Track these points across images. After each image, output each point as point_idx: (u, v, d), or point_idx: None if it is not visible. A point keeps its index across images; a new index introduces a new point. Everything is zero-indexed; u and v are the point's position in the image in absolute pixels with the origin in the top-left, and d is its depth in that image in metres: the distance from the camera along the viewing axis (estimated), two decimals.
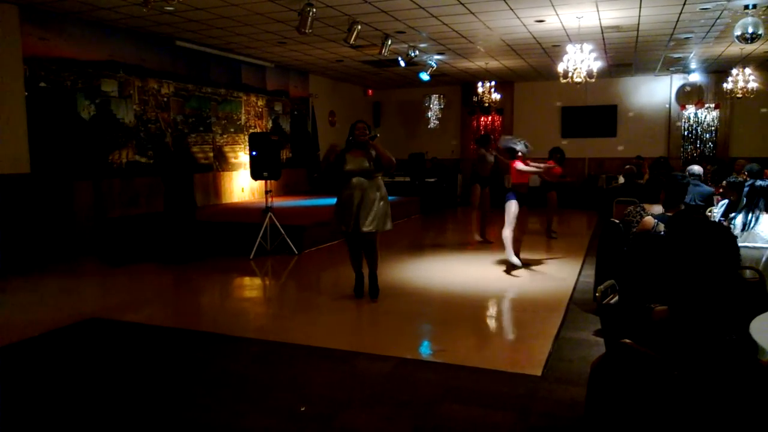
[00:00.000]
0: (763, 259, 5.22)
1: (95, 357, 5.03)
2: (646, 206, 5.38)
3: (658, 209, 5.18)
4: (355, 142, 6.34)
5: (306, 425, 3.65)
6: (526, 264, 8.31)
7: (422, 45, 11.97)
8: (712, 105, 16.37)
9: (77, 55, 9.65)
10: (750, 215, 5.52)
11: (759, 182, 5.91)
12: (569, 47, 10.58)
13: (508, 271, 7.98)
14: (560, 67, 10.70)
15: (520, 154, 8.16)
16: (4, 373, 4.68)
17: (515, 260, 8.09)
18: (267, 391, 4.19)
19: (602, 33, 11.01)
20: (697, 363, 2.54)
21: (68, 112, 9.51)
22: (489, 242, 10.18)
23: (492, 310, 6.65)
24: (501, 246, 9.18)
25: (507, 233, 8.10)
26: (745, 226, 5.52)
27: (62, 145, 9.36)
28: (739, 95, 13.14)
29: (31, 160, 8.94)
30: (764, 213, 5.43)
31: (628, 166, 11.30)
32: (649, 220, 4.75)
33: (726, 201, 6.64)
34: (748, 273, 4.63)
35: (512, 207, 8.04)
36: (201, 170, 12.48)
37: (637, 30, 10.79)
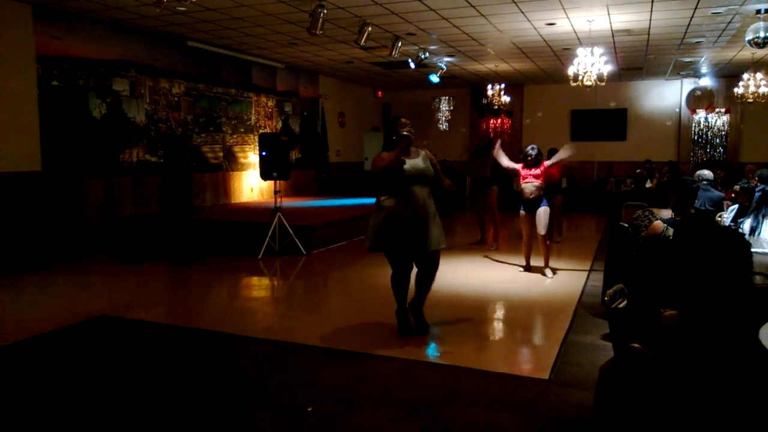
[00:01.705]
0: None
1: (104, 355, 5.06)
2: (654, 210, 5.37)
3: (667, 213, 5.17)
4: (399, 141, 5.05)
5: (313, 425, 3.66)
6: (535, 268, 8.30)
7: (432, 47, 11.98)
8: (723, 109, 16.31)
9: (89, 54, 9.72)
10: (757, 220, 5.51)
11: None
12: (580, 50, 10.58)
13: (520, 273, 7.98)
14: (570, 71, 10.70)
15: (529, 158, 7.97)
16: (16, 369, 4.72)
17: (548, 273, 8.00)
18: (274, 390, 4.21)
19: (613, 36, 10.99)
20: (706, 368, 2.54)
21: (80, 110, 9.57)
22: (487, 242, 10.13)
23: (499, 313, 6.64)
24: (508, 250, 9.19)
25: (543, 233, 7.92)
26: (753, 231, 5.51)
27: (74, 143, 9.43)
28: (750, 100, 13.09)
29: (43, 158, 9.01)
30: None
31: (638, 170, 11.28)
32: (658, 224, 4.74)
33: (736, 206, 6.62)
34: (757, 278, 4.62)
35: (521, 218, 7.95)
36: (211, 170, 12.55)
37: (648, 34, 10.76)
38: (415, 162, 5.09)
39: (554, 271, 8.04)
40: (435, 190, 5.32)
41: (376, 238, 5.08)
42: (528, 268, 8.16)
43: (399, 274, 5.30)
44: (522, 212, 7.94)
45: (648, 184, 12.34)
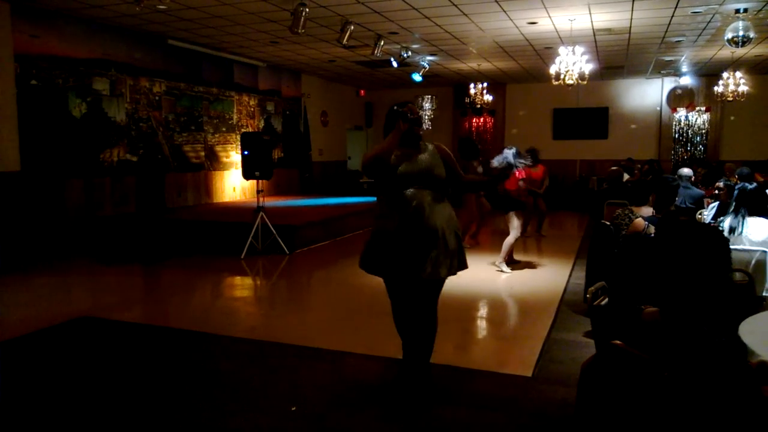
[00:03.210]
0: (753, 262, 5.26)
1: (87, 356, 5.00)
2: (634, 208, 5.40)
3: (646, 211, 5.21)
4: (409, 135, 3.83)
5: (297, 425, 3.65)
6: (517, 264, 8.34)
7: (415, 46, 11.98)
8: (703, 108, 16.47)
9: (69, 52, 9.61)
10: (737, 218, 5.56)
11: (748, 186, 5.95)
12: (561, 49, 10.64)
13: (498, 272, 8.01)
14: (552, 69, 10.75)
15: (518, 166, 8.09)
16: None
17: (507, 269, 8.11)
18: (258, 390, 4.19)
19: (594, 35, 11.06)
20: (687, 364, 2.56)
21: (59, 110, 9.47)
22: (477, 244, 10.15)
23: (482, 311, 6.65)
24: (490, 248, 9.22)
25: (510, 240, 8.11)
26: (732, 230, 5.56)
27: (53, 143, 9.32)
28: (730, 98, 13.23)
29: (22, 159, 8.90)
30: (749, 216, 5.46)
31: (613, 168, 11.28)
32: (639, 222, 4.77)
33: (716, 203, 6.68)
34: (737, 275, 4.67)
35: (516, 216, 8.04)
36: (192, 169, 12.47)
37: (629, 33, 10.84)
38: (418, 159, 3.80)
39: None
40: (457, 190, 4.32)
41: (365, 256, 3.91)
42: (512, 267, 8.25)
43: (395, 308, 3.98)
44: (513, 212, 8.03)
45: (626, 177, 12.38)
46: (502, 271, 8.05)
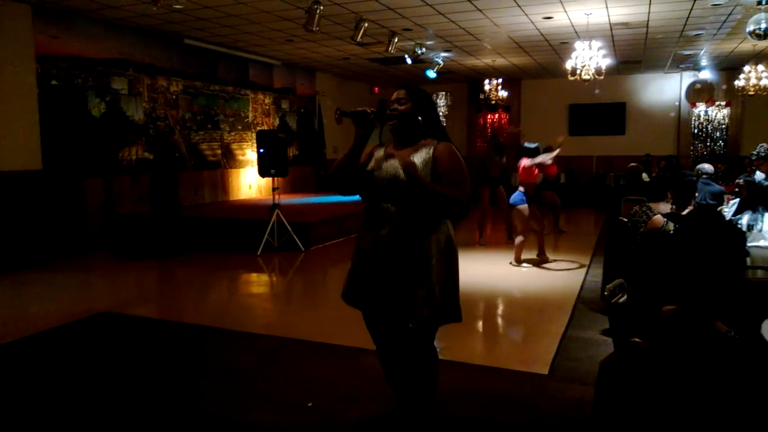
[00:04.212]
0: None
1: (106, 351, 5.06)
2: (651, 205, 5.36)
3: (664, 207, 5.16)
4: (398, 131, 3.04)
5: (313, 420, 3.66)
6: (534, 262, 8.31)
7: (429, 42, 11.94)
8: (723, 102, 16.28)
9: (88, 53, 9.69)
10: (755, 215, 5.50)
11: (765, 182, 5.88)
12: (577, 44, 10.56)
13: (515, 268, 8.00)
14: (568, 64, 10.67)
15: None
16: (20, 366, 4.72)
17: (524, 265, 8.11)
18: (274, 386, 4.20)
19: (611, 30, 10.96)
20: (705, 362, 2.53)
21: (79, 109, 9.56)
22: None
23: (499, 309, 6.63)
24: (507, 245, 9.21)
25: (519, 240, 8.13)
26: (750, 227, 5.50)
27: (73, 142, 9.42)
28: (751, 92, 13.06)
29: (43, 157, 8.99)
30: (766, 212, 5.40)
31: (632, 164, 11.18)
32: (658, 218, 4.73)
33: (737, 200, 6.60)
34: (759, 273, 4.61)
35: (524, 212, 8.01)
36: (209, 167, 12.54)
37: (647, 27, 10.73)
38: (396, 162, 2.91)
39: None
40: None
41: (347, 284, 3.20)
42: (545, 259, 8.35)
43: (378, 350, 3.32)
44: (526, 205, 8.01)
45: (645, 177, 12.30)
46: (520, 267, 8.07)
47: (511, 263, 8.20)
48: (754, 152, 7.70)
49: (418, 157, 2.91)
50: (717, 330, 2.59)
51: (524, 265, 8.14)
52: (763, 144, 7.74)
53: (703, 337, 2.62)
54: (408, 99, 2.98)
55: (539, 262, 8.34)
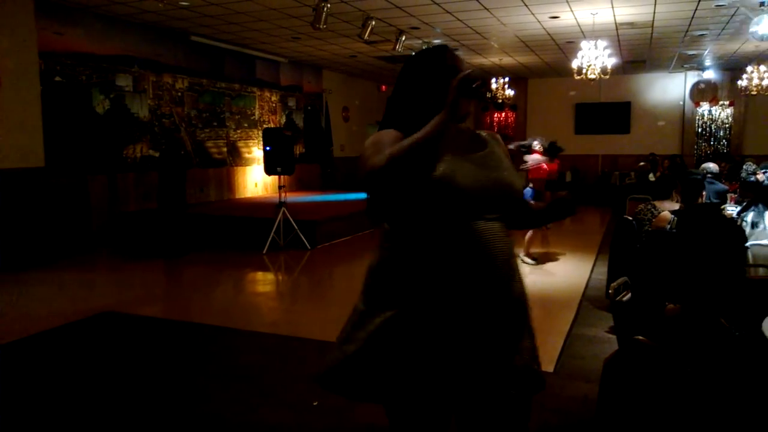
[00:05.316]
0: None
1: (109, 350, 5.08)
2: (656, 203, 5.37)
3: (669, 206, 5.17)
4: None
5: (319, 419, 3.68)
6: (539, 260, 8.33)
7: (436, 41, 11.95)
8: (727, 102, 16.27)
9: (92, 49, 9.71)
10: (759, 213, 5.51)
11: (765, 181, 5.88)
12: (583, 43, 10.58)
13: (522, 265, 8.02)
14: (574, 64, 10.70)
15: (537, 147, 8.39)
16: (24, 365, 4.74)
17: (529, 261, 8.15)
18: (280, 384, 4.23)
19: (617, 29, 10.96)
20: (709, 360, 2.55)
21: (83, 106, 9.57)
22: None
23: None
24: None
25: (529, 234, 8.17)
26: (755, 225, 5.50)
27: (77, 139, 9.43)
28: (754, 92, 13.07)
29: (46, 154, 9.00)
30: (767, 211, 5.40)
31: (642, 163, 11.24)
32: (666, 214, 4.74)
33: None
34: (761, 271, 4.62)
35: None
36: (215, 165, 12.56)
37: (652, 27, 10.73)
38: (483, 159, 1.99)
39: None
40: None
41: (348, 365, 2.15)
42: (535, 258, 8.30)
43: None
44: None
45: (651, 177, 12.33)
46: (525, 262, 8.09)
47: (520, 258, 8.23)
48: None
49: (501, 152, 2.09)
50: (722, 327, 2.61)
51: (529, 260, 8.14)
52: None
53: (708, 334, 2.64)
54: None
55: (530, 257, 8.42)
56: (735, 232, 2.82)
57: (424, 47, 11.63)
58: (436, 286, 1.87)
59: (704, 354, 2.59)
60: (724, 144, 16.44)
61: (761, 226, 5.41)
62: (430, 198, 1.85)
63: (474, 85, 1.80)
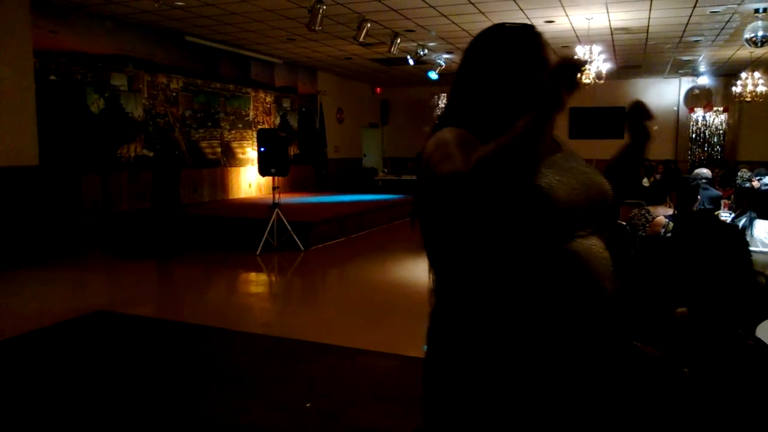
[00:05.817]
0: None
1: (102, 350, 5.05)
2: (650, 209, 5.38)
3: (662, 211, 5.18)
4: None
5: (311, 421, 3.67)
6: None
7: (431, 44, 11.97)
8: (721, 108, 16.34)
9: (87, 48, 9.67)
10: (747, 219, 5.54)
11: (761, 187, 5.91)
12: (578, 48, 10.60)
13: None
14: None
15: None
16: (15, 364, 4.71)
17: None
18: (272, 386, 4.21)
19: (611, 34, 10.99)
20: (709, 365, 2.55)
21: (77, 105, 9.53)
22: None
23: None
24: None
25: None
26: (744, 230, 5.53)
27: (71, 138, 9.38)
28: (748, 99, 13.11)
29: (40, 153, 8.96)
30: (758, 219, 5.43)
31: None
32: (660, 219, 4.75)
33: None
34: (763, 279, 4.62)
35: None
36: (208, 165, 12.53)
37: (647, 32, 10.77)
38: (567, 162, 1.73)
39: None
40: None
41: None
42: None
43: None
44: None
45: (645, 182, 12.36)
46: None
47: None
48: None
49: (581, 161, 1.83)
50: (731, 328, 2.61)
51: None
52: None
53: (718, 336, 2.63)
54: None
55: None
56: (736, 234, 2.82)
57: (418, 51, 11.74)
58: (546, 336, 1.42)
59: (703, 359, 2.59)
60: (717, 150, 16.50)
61: (748, 233, 5.43)
62: (526, 216, 1.43)
63: (579, 74, 1.46)
